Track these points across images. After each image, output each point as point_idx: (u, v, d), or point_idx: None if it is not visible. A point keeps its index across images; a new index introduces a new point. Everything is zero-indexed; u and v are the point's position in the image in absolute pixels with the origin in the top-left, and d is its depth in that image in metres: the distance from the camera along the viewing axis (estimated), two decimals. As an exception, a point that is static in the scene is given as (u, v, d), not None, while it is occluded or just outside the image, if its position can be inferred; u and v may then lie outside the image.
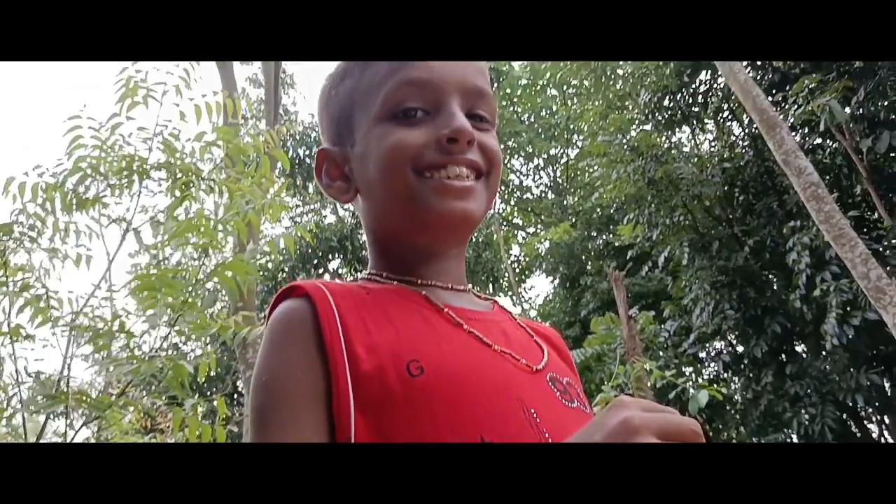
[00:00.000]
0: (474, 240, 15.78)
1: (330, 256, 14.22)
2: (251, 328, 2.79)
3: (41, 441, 2.57)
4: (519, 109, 19.71)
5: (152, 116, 2.79)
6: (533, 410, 0.71)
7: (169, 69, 2.82)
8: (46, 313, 2.47)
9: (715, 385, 12.05)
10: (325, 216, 14.43)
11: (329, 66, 0.94)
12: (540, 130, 19.20)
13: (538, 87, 19.10)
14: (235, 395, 11.74)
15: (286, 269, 13.17)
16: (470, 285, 0.90)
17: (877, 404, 10.62)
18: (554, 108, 19.08)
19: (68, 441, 2.51)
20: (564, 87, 18.07)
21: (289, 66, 17.19)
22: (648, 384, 7.26)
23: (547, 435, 0.69)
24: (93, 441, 3.69)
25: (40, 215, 2.71)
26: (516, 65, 18.89)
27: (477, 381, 0.71)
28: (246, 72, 18.10)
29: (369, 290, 0.79)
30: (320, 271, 14.66)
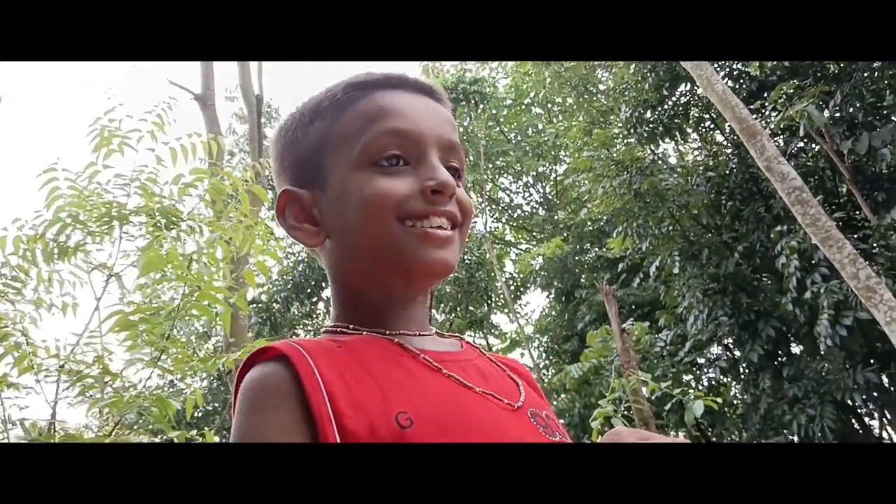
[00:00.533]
0: (466, 260, 15.81)
1: (323, 284, 14.24)
2: (238, 354, 2.81)
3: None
4: (505, 129, 19.85)
5: (129, 162, 2.85)
6: None
7: (142, 116, 2.87)
8: (26, 361, 2.49)
9: (715, 390, 12.07)
10: (317, 244, 14.45)
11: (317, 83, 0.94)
12: (528, 149, 19.33)
13: (523, 107, 19.25)
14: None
15: (279, 300, 13.16)
16: (433, 328, 0.90)
17: (876, 401, 10.65)
18: (540, 126, 19.21)
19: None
20: (549, 105, 18.21)
21: (273, 100, 17.30)
22: (645, 396, 7.29)
23: None
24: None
25: (23, 267, 2.74)
26: (500, 85, 19.05)
27: (464, 425, 0.72)
28: (233, 108, 18.19)
29: (341, 342, 0.78)
30: (314, 300, 14.66)
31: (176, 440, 2.58)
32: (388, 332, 0.82)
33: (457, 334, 0.94)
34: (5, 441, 2.57)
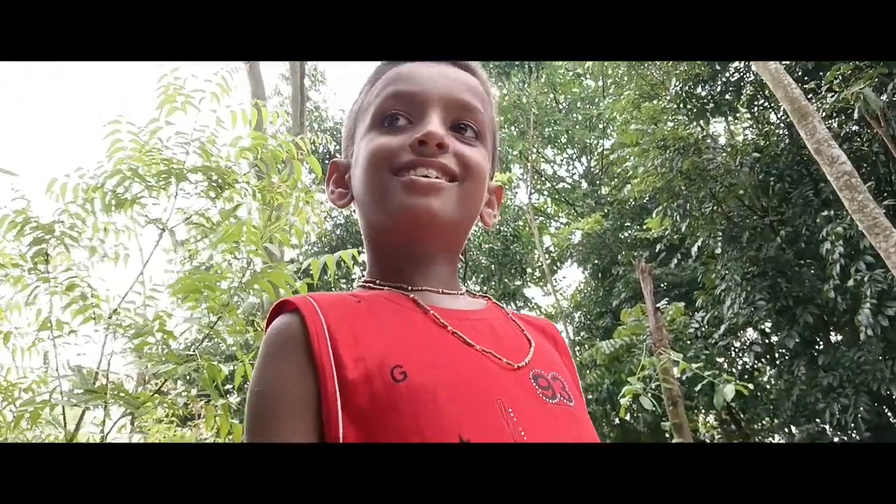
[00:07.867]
0: (502, 232, 15.74)
1: (361, 248, 14.36)
2: None
3: (79, 429, 2.68)
4: (560, 98, 19.60)
5: (189, 120, 2.90)
6: (510, 409, 0.73)
7: (207, 77, 2.92)
8: (89, 311, 2.59)
9: (749, 374, 11.94)
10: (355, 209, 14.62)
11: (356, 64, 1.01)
12: (578, 118, 19.08)
13: (576, 76, 19.01)
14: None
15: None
16: (464, 288, 0.93)
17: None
18: (595, 99, 18.93)
19: (105, 430, 2.62)
20: (601, 77, 17.94)
21: (319, 63, 17.30)
22: (675, 376, 7.25)
23: (522, 433, 0.72)
24: (128, 429, 3.84)
25: (81, 215, 2.82)
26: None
27: (457, 382, 0.74)
28: (279, 68, 18.24)
29: (360, 297, 0.83)
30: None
31: (220, 407, 2.65)
32: (409, 288, 0.86)
33: (488, 296, 0.98)
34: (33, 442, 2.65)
